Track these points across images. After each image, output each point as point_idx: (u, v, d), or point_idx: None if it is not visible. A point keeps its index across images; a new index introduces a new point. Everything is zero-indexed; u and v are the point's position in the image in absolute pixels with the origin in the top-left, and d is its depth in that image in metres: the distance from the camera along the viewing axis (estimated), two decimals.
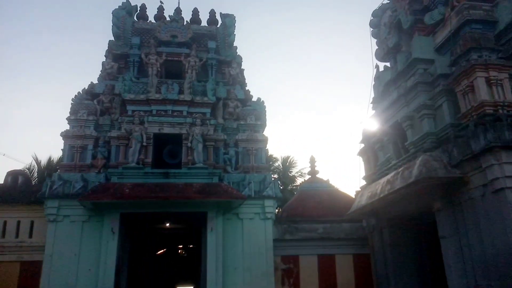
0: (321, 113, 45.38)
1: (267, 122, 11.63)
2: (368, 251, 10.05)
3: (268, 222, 9.98)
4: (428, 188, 6.66)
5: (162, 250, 16.00)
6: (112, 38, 12.34)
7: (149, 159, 10.11)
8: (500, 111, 6.32)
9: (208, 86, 11.16)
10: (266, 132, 11.46)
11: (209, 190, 9.34)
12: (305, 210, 11.48)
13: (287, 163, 25.68)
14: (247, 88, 11.97)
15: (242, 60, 12.39)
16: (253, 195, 9.96)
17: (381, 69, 9.82)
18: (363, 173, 10.33)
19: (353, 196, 10.87)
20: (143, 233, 12.32)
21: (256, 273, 9.44)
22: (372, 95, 9.97)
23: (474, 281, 6.07)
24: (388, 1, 10.40)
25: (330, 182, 12.93)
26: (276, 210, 11.92)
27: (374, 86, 9.86)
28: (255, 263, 9.52)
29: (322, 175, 15.44)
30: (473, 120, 6.38)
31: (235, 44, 12.65)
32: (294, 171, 25.44)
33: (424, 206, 7.16)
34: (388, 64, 10.03)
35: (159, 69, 11.43)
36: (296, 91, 45.76)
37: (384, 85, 9.19)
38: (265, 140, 10.97)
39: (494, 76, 6.62)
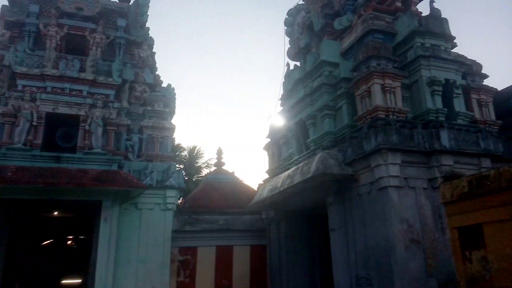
0: (233, 106, 45.82)
1: (176, 110, 11.32)
2: (265, 243, 10.33)
3: (168, 213, 9.70)
4: (323, 184, 7.00)
5: (49, 241, 14.73)
6: (6, 3, 10.98)
7: (39, 141, 9.18)
8: (391, 116, 6.86)
9: (114, 67, 10.46)
10: (174, 121, 11.16)
11: (106, 178, 8.74)
12: (209, 202, 11.42)
13: (194, 153, 25.42)
14: (157, 73, 11.49)
15: (154, 43, 11.86)
16: (154, 185, 9.59)
17: (292, 67, 10.11)
18: (267, 167, 10.56)
19: (256, 189, 11.09)
20: (27, 221, 11.18)
21: (151, 266, 9.13)
22: (282, 92, 10.23)
23: (356, 271, 6.52)
24: (303, 2, 10.74)
25: (236, 175, 13.06)
26: (179, 201, 11.69)
27: (284, 84, 10.12)
28: (151, 255, 9.19)
29: (228, 167, 15.50)
30: (367, 123, 6.83)
31: (147, 25, 12.05)
32: (200, 162, 25.29)
33: (319, 200, 7.53)
34: (298, 63, 10.36)
35: (58, 42, 10.42)
36: (209, 82, 45.61)
37: (293, 83, 9.47)
38: (172, 129, 10.64)
39: (389, 84, 7.16)
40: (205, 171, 24.43)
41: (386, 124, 6.49)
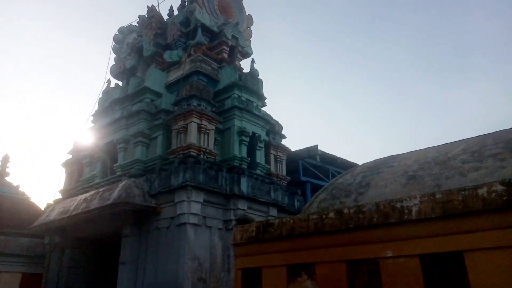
0: (33, 110, 40.28)
1: None
2: (41, 271, 9.05)
3: None
4: (123, 213, 6.68)
5: None
6: None
7: None
8: (202, 155, 7.16)
9: None
10: None
11: None
12: None
13: None
14: None
15: None
16: None
17: (112, 85, 9.63)
18: (63, 186, 9.49)
19: (44, 210, 9.77)
20: None
21: None
22: (96, 108, 9.57)
23: None
24: (137, 24, 10.53)
25: (21, 189, 11.27)
26: None
27: (100, 100, 9.51)
28: None
29: (13, 179, 13.27)
30: (178, 158, 6.95)
31: None
32: None
33: (114, 229, 7.11)
34: (120, 82, 9.95)
35: None
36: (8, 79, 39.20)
37: (111, 102, 8.99)
38: None
39: (205, 125, 7.52)
40: None
41: (196, 162, 6.74)
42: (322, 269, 5.60)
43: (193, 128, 7.33)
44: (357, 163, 8.90)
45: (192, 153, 7.04)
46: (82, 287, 7.84)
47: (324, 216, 5.74)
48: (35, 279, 9.19)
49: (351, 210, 5.54)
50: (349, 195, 6.59)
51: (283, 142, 9.23)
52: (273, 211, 7.55)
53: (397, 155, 7.56)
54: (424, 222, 4.70)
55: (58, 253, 8.36)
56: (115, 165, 8.03)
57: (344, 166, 9.92)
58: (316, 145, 9.60)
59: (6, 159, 11.39)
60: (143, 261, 6.59)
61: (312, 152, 9.57)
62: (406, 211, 4.90)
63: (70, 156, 9.53)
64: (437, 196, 4.81)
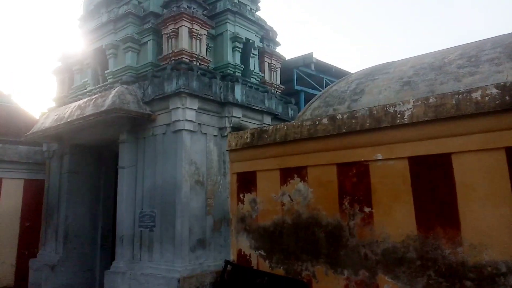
0: (19, 14, 38.19)
1: None
2: (43, 177, 9.37)
3: None
4: (118, 119, 6.70)
5: None
6: None
7: None
8: (195, 62, 7.00)
9: None
10: None
11: None
12: None
13: None
14: None
15: None
16: None
17: None
18: (55, 94, 9.38)
19: (38, 118, 9.79)
20: None
21: None
22: (82, 12, 9.06)
23: (140, 207, 6.66)
24: None
25: (12, 98, 11.15)
26: None
27: (85, 3, 8.98)
28: None
29: (3, 89, 13.05)
30: (171, 64, 6.79)
31: None
32: None
33: (110, 136, 7.21)
34: None
35: None
36: None
37: (96, 5, 8.48)
38: None
39: (196, 30, 7.22)
40: None
41: (189, 69, 6.61)
42: (314, 172, 5.84)
43: (184, 32, 7.05)
44: (352, 72, 8.79)
45: (184, 59, 6.86)
46: (83, 192, 8.17)
47: (317, 122, 5.83)
48: (37, 184, 9.55)
49: (344, 116, 5.61)
50: (343, 102, 6.63)
51: (278, 49, 9.00)
52: (267, 119, 7.62)
53: (394, 61, 7.45)
54: (416, 125, 4.80)
55: (57, 160, 8.57)
56: (106, 71, 7.86)
57: (339, 75, 9.81)
58: (311, 53, 9.38)
59: None
60: (141, 166, 6.80)
61: (307, 60, 9.38)
62: (398, 115, 4.97)
63: (60, 64, 9.27)
64: (430, 100, 4.85)
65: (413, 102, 4.79)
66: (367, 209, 5.09)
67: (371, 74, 6.95)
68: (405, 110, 4.82)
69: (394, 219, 4.78)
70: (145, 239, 6.49)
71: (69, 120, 7.06)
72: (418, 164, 4.68)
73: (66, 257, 7.71)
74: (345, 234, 5.21)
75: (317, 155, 5.64)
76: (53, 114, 7.83)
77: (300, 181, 5.83)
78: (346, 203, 5.25)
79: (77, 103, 7.36)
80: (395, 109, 4.90)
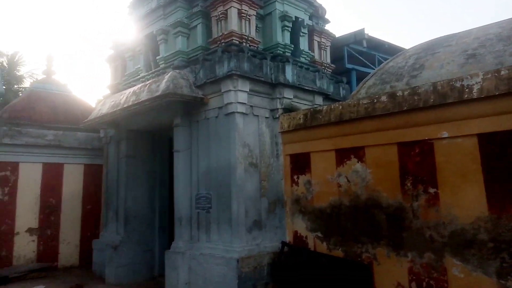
0: (72, 7, 39.72)
1: None
2: (101, 162, 9.79)
3: None
4: (171, 104, 6.80)
5: None
6: None
7: None
8: (244, 44, 6.93)
9: None
10: None
11: None
12: (34, 113, 10.04)
13: (15, 60, 21.74)
14: None
15: None
16: None
17: None
18: (109, 82, 9.68)
19: (94, 106, 10.18)
20: None
21: None
22: None
23: (196, 190, 6.78)
24: None
25: (68, 87, 11.65)
26: None
27: None
28: None
29: (60, 78, 13.71)
30: (221, 47, 6.76)
31: None
32: (22, 71, 21.85)
33: (165, 121, 7.34)
34: None
35: None
36: None
37: None
38: None
39: (245, 10, 7.12)
40: (28, 82, 21.29)
41: (240, 50, 6.55)
42: (372, 152, 5.67)
43: (233, 14, 6.97)
44: (406, 48, 8.37)
45: (234, 41, 6.81)
46: (140, 175, 8.45)
47: (375, 100, 5.60)
48: (96, 169, 10.01)
49: (405, 93, 5.34)
50: (401, 79, 6.33)
51: (327, 27, 8.72)
52: (319, 100, 7.45)
53: (455, 33, 6.97)
54: (486, 100, 4.49)
55: (115, 145, 8.89)
56: (157, 57, 7.98)
57: (392, 51, 9.37)
58: (363, 29, 9.00)
59: (50, 58, 11.58)
60: (196, 149, 6.89)
61: (358, 37, 9.01)
62: (466, 90, 4.66)
63: (112, 52, 9.53)
64: (502, 72, 4.50)
65: (483, 75, 4.48)
66: (431, 190, 4.89)
67: (430, 48, 6.59)
68: (473, 84, 4.52)
69: (462, 199, 4.55)
70: (202, 220, 6.61)
71: (125, 106, 7.25)
72: (489, 141, 4.39)
73: (127, 237, 8.04)
74: (408, 216, 5.05)
75: (375, 135, 5.46)
76: (109, 100, 8.09)
77: (358, 162, 5.69)
78: (409, 184, 5.06)
79: (132, 89, 7.54)
80: (462, 83, 4.61)
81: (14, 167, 9.17)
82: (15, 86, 21.24)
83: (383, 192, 5.37)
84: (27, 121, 9.63)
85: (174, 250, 6.70)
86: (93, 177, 10.05)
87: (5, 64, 21.27)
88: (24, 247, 9.22)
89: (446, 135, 4.84)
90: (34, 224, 9.40)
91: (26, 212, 9.28)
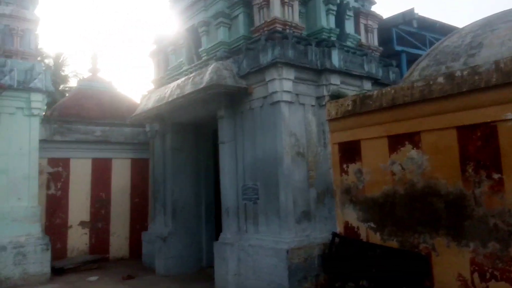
0: (111, 5, 40.86)
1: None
2: (147, 156, 9.97)
3: (34, 120, 8.47)
4: (216, 96, 6.77)
5: None
6: None
7: None
8: (288, 30, 6.75)
9: None
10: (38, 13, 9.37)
11: None
12: (82, 111, 10.37)
13: (60, 61, 22.66)
14: None
15: None
16: (15, 86, 8.17)
17: None
18: (153, 77, 9.81)
19: (138, 102, 10.37)
20: None
21: (15, 177, 8.07)
22: None
23: (243, 181, 6.72)
24: None
25: (113, 84, 11.95)
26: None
27: None
28: (14, 166, 8.08)
29: (104, 75, 14.11)
30: (264, 35, 6.63)
31: None
32: (67, 71, 22.75)
33: (209, 113, 7.32)
34: None
35: None
36: None
37: None
38: (35, 21, 8.94)
39: None
40: (73, 81, 22.20)
41: (284, 37, 6.39)
42: (428, 137, 5.34)
43: (275, 0, 6.81)
44: (459, 27, 7.88)
45: (277, 28, 6.64)
46: (186, 168, 8.52)
47: (431, 82, 5.26)
48: (143, 163, 10.21)
49: (464, 73, 4.98)
50: (457, 59, 5.92)
51: (373, 8, 8.36)
52: (367, 85, 7.16)
53: None
54: None
55: (160, 139, 9.01)
56: (199, 49, 7.97)
57: (445, 31, 8.84)
58: (412, 8, 8.53)
59: (95, 57, 11.92)
60: (241, 140, 6.82)
61: (407, 17, 8.55)
62: None
63: (155, 47, 9.64)
64: None
65: None
66: (496, 176, 4.55)
67: (489, 25, 6.13)
68: None
69: None
70: (249, 211, 6.55)
71: (170, 99, 7.30)
72: None
73: (175, 229, 8.15)
74: (469, 204, 4.73)
75: (432, 119, 5.15)
76: (154, 95, 8.18)
77: (413, 148, 5.40)
78: (470, 170, 4.74)
79: (176, 83, 7.58)
80: None
81: (65, 163, 9.52)
82: (61, 86, 22.18)
83: (442, 179, 5.06)
84: (75, 118, 9.95)
85: (222, 241, 6.69)
86: (140, 171, 10.27)
87: (50, 65, 22.26)
88: (77, 239, 9.59)
89: (510, 117, 4.48)
90: (86, 217, 9.74)
91: (78, 206, 9.63)
